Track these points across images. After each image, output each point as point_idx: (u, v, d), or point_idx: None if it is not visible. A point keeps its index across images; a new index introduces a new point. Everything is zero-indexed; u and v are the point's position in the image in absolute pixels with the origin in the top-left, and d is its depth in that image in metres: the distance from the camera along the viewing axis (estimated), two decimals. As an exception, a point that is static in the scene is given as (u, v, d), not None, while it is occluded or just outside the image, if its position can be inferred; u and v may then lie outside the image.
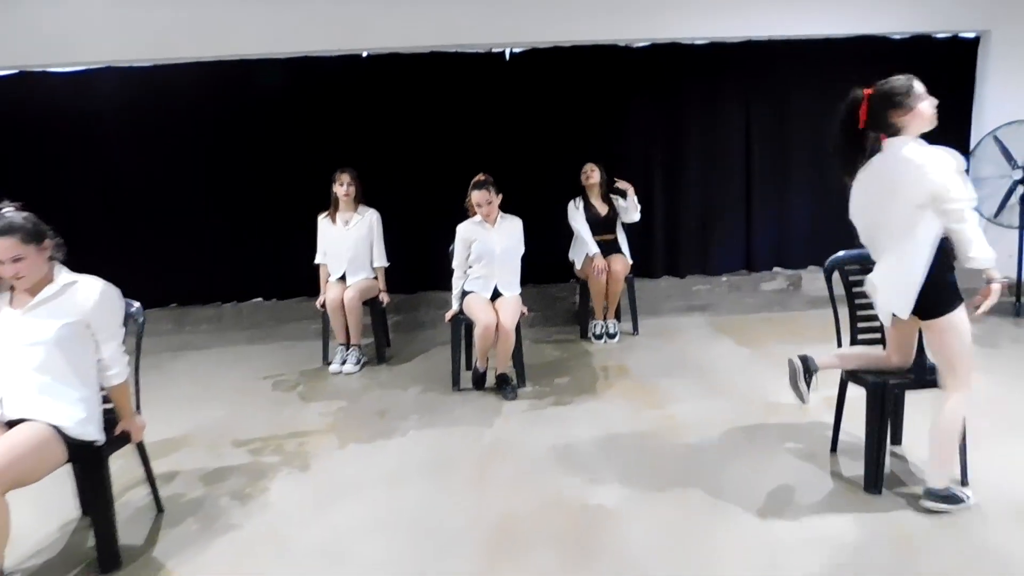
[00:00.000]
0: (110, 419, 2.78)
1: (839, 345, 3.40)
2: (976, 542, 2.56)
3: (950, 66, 6.42)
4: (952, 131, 6.48)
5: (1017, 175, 5.75)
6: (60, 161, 5.95)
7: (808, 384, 3.08)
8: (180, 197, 6.12)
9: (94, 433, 2.58)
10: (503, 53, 6.20)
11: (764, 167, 6.48)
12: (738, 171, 6.48)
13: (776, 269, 6.55)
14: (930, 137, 5.79)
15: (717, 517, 2.82)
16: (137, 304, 2.99)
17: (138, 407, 2.97)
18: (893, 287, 2.77)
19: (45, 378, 2.48)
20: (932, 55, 6.36)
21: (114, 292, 2.67)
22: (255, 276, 6.31)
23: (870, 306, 3.14)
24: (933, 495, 2.77)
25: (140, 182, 6.06)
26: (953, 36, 6.43)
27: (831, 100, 6.29)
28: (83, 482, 2.97)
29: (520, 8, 5.97)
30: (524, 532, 2.78)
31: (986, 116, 6.35)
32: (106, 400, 2.76)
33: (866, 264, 3.28)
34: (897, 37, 6.34)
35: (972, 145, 6.37)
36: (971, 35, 6.45)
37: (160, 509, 3.10)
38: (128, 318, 2.92)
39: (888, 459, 3.16)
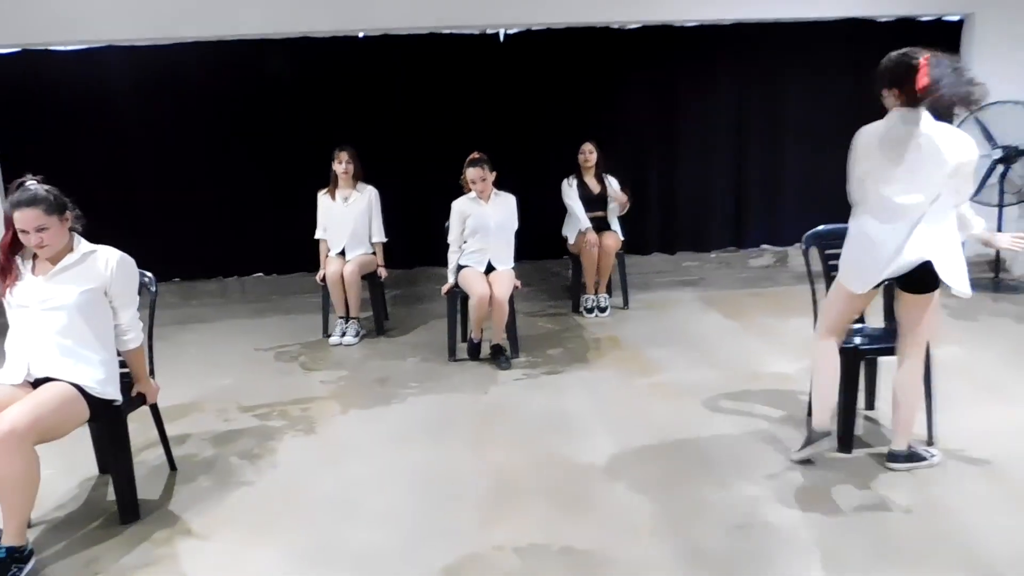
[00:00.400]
0: (127, 382, 2.95)
1: (815, 317, 3.56)
2: (938, 495, 2.76)
3: (935, 48, 6.55)
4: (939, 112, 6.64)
5: (996, 155, 5.93)
6: (63, 138, 6.06)
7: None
8: (183, 174, 6.25)
9: (113, 393, 2.74)
10: (498, 34, 6.33)
11: (754, 147, 6.66)
12: (728, 150, 6.65)
13: (764, 246, 6.74)
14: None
15: (699, 474, 3.01)
16: (150, 275, 3.14)
17: (152, 373, 3.13)
18: (954, 263, 2.82)
19: (67, 341, 2.64)
20: (917, 37, 6.37)
21: (130, 262, 2.83)
22: (257, 251, 6.47)
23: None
24: (896, 457, 2.97)
25: (143, 160, 6.19)
26: (938, 19, 6.60)
27: (819, 81, 6.55)
28: (101, 441, 3.15)
29: (514, -10, 6.11)
30: (519, 486, 2.98)
31: (971, 97, 6.50)
32: (122, 364, 2.93)
33: (842, 239, 3.47)
34: (883, 19, 6.49)
35: (955, 125, 6.53)
36: (955, 18, 6.60)
37: (173, 467, 3.27)
38: (142, 288, 3.08)
39: (862, 422, 3.37)
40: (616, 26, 6.38)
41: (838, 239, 3.44)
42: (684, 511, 2.73)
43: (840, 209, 3.18)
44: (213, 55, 6.11)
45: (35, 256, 2.69)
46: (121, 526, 2.79)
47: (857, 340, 3.23)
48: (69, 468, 3.24)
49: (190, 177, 6.27)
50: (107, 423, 2.79)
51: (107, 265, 2.72)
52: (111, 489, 3.04)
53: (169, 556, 2.58)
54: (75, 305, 2.63)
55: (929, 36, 6.47)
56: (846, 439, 3.16)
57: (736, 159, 6.66)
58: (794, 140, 6.60)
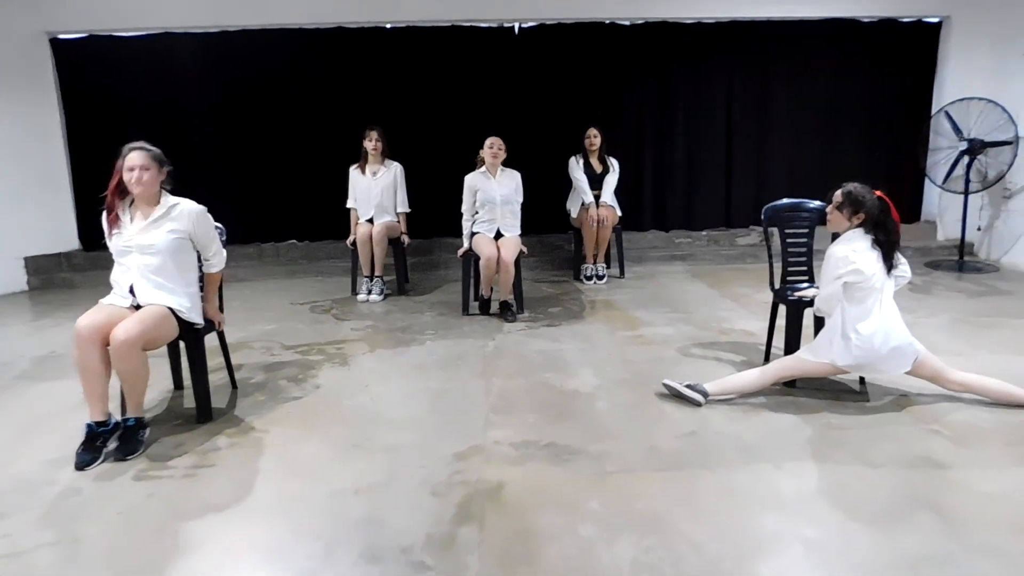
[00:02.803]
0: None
1: (771, 284, 4.21)
2: (863, 416, 3.42)
3: (914, 47, 7.17)
4: (915, 106, 7.25)
5: (963, 146, 6.52)
6: (122, 117, 6.79)
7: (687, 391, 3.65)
8: (226, 149, 6.99)
9: (196, 318, 3.45)
10: (513, 27, 6.99)
11: (744, 135, 7.29)
12: (720, 138, 7.29)
13: (752, 227, 7.37)
14: (897, 111, 7.03)
15: (665, 399, 3.68)
16: (221, 226, 3.84)
17: (221, 307, 3.83)
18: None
19: (160, 278, 3.33)
20: (898, 37, 7.12)
21: (204, 210, 3.51)
22: (291, 220, 7.19)
23: (800, 248, 4.02)
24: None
25: (192, 138, 6.90)
26: (917, 20, 7.17)
27: (805, 75, 7.17)
28: (178, 361, 3.88)
29: (529, -13, 6.76)
30: (515, 403, 3.67)
31: (946, 94, 7.09)
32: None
33: (798, 211, 4.14)
34: (866, 20, 7.08)
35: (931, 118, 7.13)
36: (934, 19, 7.17)
37: (234, 386, 3.98)
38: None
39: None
40: (620, 22, 7.02)
41: (792, 211, 4.13)
42: (647, 422, 3.41)
43: (820, 193, 3.69)
44: (257, 43, 6.83)
45: (132, 204, 3.39)
46: (198, 424, 3.50)
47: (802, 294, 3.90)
48: (152, 384, 3.95)
49: (232, 154, 7.01)
50: (190, 342, 3.50)
51: (189, 215, 3.41)
52: (186, 400, 3.77)
53: (238, 443, 3.29)
54: (166, 247, 3.33)
55: (909, 36, 7.10)
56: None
57: (726, 146, 7.30)
58: (780, 129, 7.23)
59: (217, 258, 3.60)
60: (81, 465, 3.02)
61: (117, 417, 3.23)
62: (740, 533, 2.47)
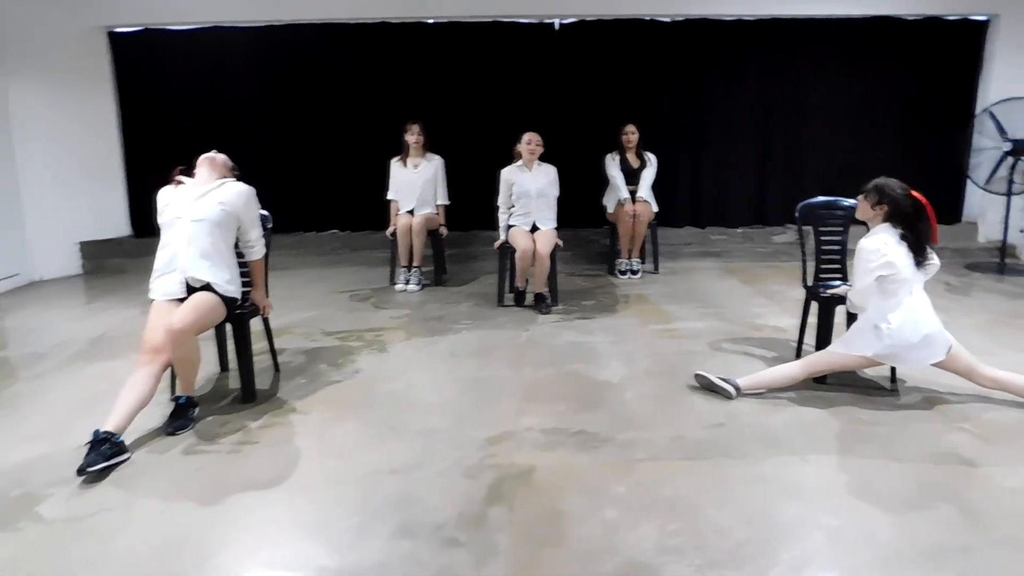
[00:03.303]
0: (245, 293, 3.82)
1: (804, 281, 4.24)
2: (892, 413, 3.46)
3: (958, 46, 7.08)
4: (957, 106, 7.17)
5: (1007, 147, 6.43)
6: (175, 107, 7.04)
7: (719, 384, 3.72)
8: (271, 140, 7.19)
9: (235, 292, 3.58)
10: (553, 23, 7.06)
11: (781, 133, 7.28)
12: (757, 135, 7.29)
13: (787, 224, 7.35)
14: (938, 110, 6.96)
15: (694, 391, 3.74)
16: (267, 212, 3.99)
17: (267, 293, 3.99)
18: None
19: (206, 247, 3.45)
20: (943, 35, 7.04)
21: (253, 191, 3.67)
22: (332, 210, 7.38)
23: (833, 246, 4.05)
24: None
25: (238, 126, 7.11)
26: (963, 18, 7.07)
27: (846, 73, 7.11)
28: (223, 343, 4.05)
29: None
30: (546, 391, 3.77)
31: (991, 93, 6.99)
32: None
33: (832, 209, 4.17)
34: (910, 18, 7.00)
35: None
36: (981, 18, 7.07)
37: (277, 369, 4.15)
38: (262, 223, 3.94)
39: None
40: (661, 18, 7.05)
41: (827, 209, 4.16)
42: (675, 413, 3.48)
43: (856, 192, 3.65)
44: (302, 37, 7.02)
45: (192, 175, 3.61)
46: (243, 404, 3.66)
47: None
48: (202, 366, 4.14)
49: (276, 145, 7.21)
50: (236, 324, 3.66)
51: (239, 193, 3.58)
52: (231, 381, 3.94)
53: (280, 423, 3.44)
54: (214, 218, 3.46)
55: (953, 35, 7.01)
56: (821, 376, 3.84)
57: (763, 144, 7.30)
58: (818, 128, 7.20)
59: (259, 244, 3.76)
60: (82, 470, 2.84)
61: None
62: (763, 520, 2.54)
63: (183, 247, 3.44)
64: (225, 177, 3.65)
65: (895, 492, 2.72)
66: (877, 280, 3.40)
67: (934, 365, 3.50)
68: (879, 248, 3.39)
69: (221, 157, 3.69)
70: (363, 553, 2.38)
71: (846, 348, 3.57)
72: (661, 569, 2.27)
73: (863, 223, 3.62)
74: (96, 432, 2.97)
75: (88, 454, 2.89)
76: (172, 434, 3.28)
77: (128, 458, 3.04)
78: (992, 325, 4.88)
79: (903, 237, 3.43)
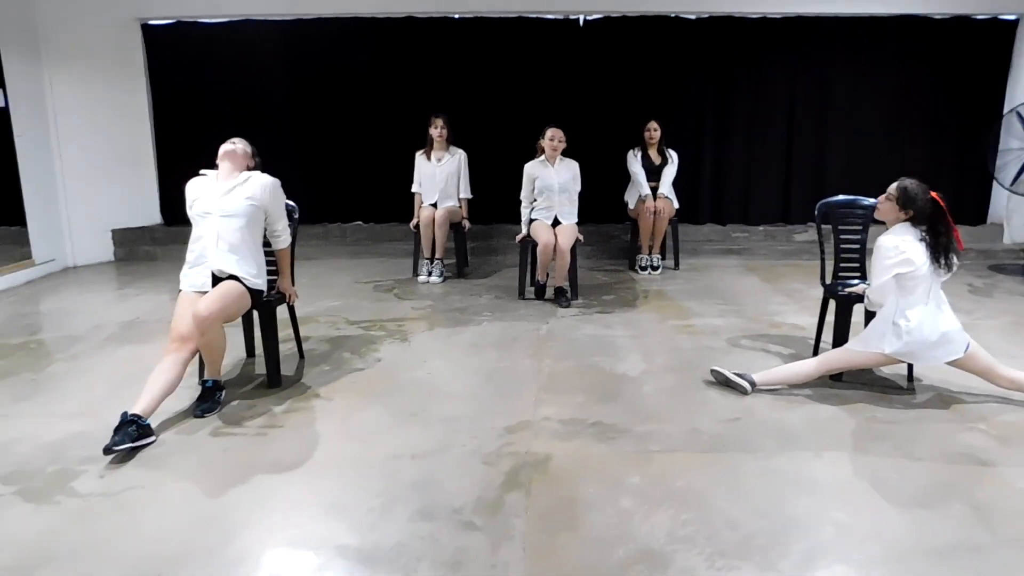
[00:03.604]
0: (271, 281, 3.92)
1: (822, 279, 4.25)
2: (908, 412, 3.48)
3: (987, 45, 7.02)
4: (985, 106, 7.11)
5: (1032, 148, 6.39)
6: (205, 97, 7.17)
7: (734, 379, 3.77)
8: (298, 132, 7.31)
9: (262, 285, 3.68)
10: (578, 20, 7.10)
11: (805, 131, 7.26)
12: (781, 133, 7.29)
13: (810, 223, 7.33)
14: (965, 110, 6.96)
15: (712, 387, 3.78)
16: (293, 203, 4.09)
17: (293, 281, 4.09)
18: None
19: (235, 241, 3.54)
20: (971, 35, 6.98)
21: (278, 183, 3.75)
22: (357, 202, 7.49)
23: (853, 244, 4.06)
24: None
25: (267, 118, 7.24)
26: (993, 17, 7.00)
27: (871, 72, 7.09)
28: (250, 331, 4.16)
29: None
30: (565, 382, 3.83)
31: (1019, 94, 6.94)
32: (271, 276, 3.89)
33: (852, 208, 4.18)
34: (938, 17, 6.95)
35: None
36: (1010, 17, 7.00)
37: (302, 356, 4.25)
38: (289, 217, 4.03)
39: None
40: (686, 15, 7.07)
41: (846, 208, 4.18)
42: (691, 407, 3.53)
43: (879, 192, 3.64)
44: (331, 31, 7.11)
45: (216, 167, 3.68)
46: (268, 389, 3.77)
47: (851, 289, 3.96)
48: (229, 352, 4.24)
49: (303, 137, 7.33)
50: (263, 312, 3.76)
51: (263, 186, 3.64)
52: (258, 367, 4.05)
53: (304, 408, 3.54)
54: (243, 212, 3.55)
55: (982, 34, 6.96)
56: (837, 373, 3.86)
57: (786, 142, 7.30)
58: (842, 127, 7.18)
59: (285, 233, 3.85)
60: (108, 449, 2.94)
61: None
62: (774, 513, 2.59)
63: (212, 242, 3.53)
64: (248, 168, 3.72)
65: (907, 490, 2.75)
66: (895, 277, 3.42)
67: (951, 364, 3.51)
68: (897, 245, 3.41)
69: (241, 147, 3.71)
70: (383, 533, 2.46)
71: (864, 346, 3.59)
72: (672, 557, 2.33)
73: (882, 222, 3.64)
74: (124, 414, 3.08)
75: (115, 435, 3.00)
76: (200, 416, 3.39)
77: (154, 440, 3.15)
78: (1015, 327, 4.87)
79: (923, 238, 3.45)
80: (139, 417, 3.09)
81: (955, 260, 3.53)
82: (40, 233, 6.64)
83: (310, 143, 7.33)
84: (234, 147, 3.68)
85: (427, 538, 2.43)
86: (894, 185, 3.53)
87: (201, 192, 3.63)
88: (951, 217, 3.50)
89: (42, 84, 6.70)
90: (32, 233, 6.57)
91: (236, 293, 3.50)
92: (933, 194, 3.48)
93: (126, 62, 7.03)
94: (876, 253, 3.49)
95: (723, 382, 3.75)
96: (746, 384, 3.65)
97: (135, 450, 3.04)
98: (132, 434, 3.02)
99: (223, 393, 3.57)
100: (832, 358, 3.71)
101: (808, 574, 2.26)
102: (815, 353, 4.22)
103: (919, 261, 3.40)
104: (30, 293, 6.03)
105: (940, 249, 3.44)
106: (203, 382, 3.54)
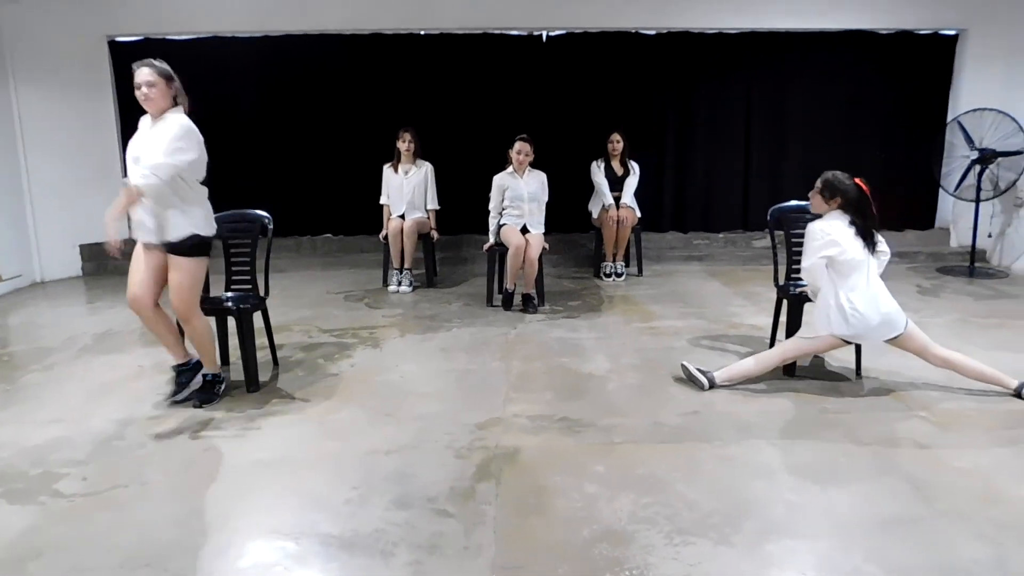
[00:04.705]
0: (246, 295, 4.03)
1: (775, 280, 4.48)
2: (857, 402, 3.69)
3: (930, 59, 7.37)
4: (930, 116, 7.46)
5: (974, 155, 6.71)
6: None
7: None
8: (268, 147, 7.40)
9: (200, 230, 3.57)
10: (541, 35, 7.32)
11: (762, 141, 7.54)
12: (739, 144, 7.56)
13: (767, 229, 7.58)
14: (912, 120, 7.23)
15: (673, 383, 3.97)
16: (269, 216, 4.20)
17: (267, 292, 4.20)
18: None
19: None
20: (915, 49, 7.34)
21: (191, 125, 3.51)
22: (328, 215, 7.59)
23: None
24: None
25: (237, 134, 7.31)
26: (934, 32, 7.37)
27: (823, 85, 7.39)
28: (225, 339, 4.25)
29: (557, -2, 7.09)
30: (533, 382, 3.99)
31: (961, 104, 7.28)
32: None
33: (802, 213, 4.40)
34: (884, 32, 7.29)
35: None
36: (951, 32, 7.37)
37: (276, 363, 4.35)
38: (262, 227, 4.16)
39: (811, 360, 4.29)
40: (645, 31, 7.32)
41: (796, 213, 4.40)
42: (654, 402, 3.71)
43: None
44: (299, 47, 7.23)
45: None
46: (246, 393, 3.87)
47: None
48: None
49: (273, 151, 7.42)
50: (239, 320, 3.87)
51: (179, 125, 3.42)
52: (233, 373, 4.14)
53: (281, 410, 3.65)
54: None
55: (925, 48, 7.31)
56: (792, 365, 4.07)
57: (745, 152, 7.56)
58: (797, 137, 7.47)
59: (158, 170, 3.34)
60: (172, 395, 3.69)
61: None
62: (730, 495, 2.76)
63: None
64: (174, 98, 3.57)
65: (854, 471, 2.96)
66: (828, 262, 3.67)
67: (892, 341, 3.75)
68: (823, 229, 3.69)
69: (154, 91, 3.47)
70: (362, 522, 2.59)
71: (813, 332, 3.80)
72: (634, 535, 2.49)
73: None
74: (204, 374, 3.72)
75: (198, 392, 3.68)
76: (198, 407, 3.61)
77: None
78: (960, 324, 5.13)
79: (852, 223, 3.70)
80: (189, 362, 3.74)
81: (885, 247, 3.78)
82: (7, 248, 6.64)
83: (280, 158, 7.43)
84: (147, 91, 3.41)
85: (404, 525, 2.56)
86: (819, 179, 3.82)
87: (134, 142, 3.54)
88: (872, 202, 3.74)
89: (10, 100, 6.73)
90: (-1, 248, 6.58)
91: (190, 270, 3.50)
92: (857, 180, 3.74)
93: (94, 78, 7.06)
94: (806, 238, 3.76)
95: (688, 377, 3.93)
96: (704, 380, 3.84)
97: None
98: (217, 390, 3.75)
99: (223, 386, 3.80)
100: (785, 348, 3.94)
101: (761, 546, 2.43)
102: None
103: (846, 244, 3.64)
104: (-1, 308, 6.04)
105: (868, 230, 3.71)
106: (203, 376, 3.73)
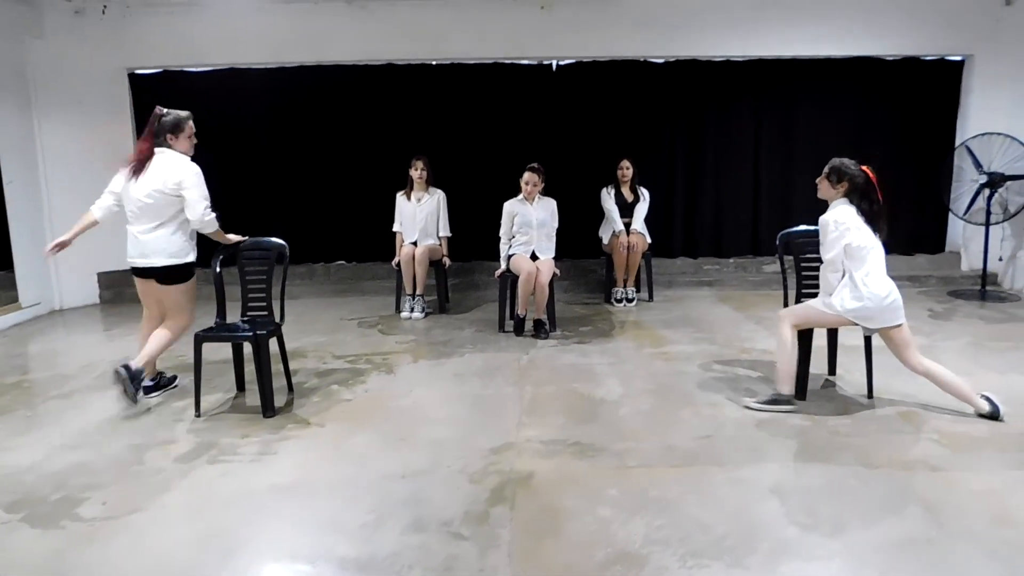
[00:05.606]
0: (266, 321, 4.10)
1: (784, 304, 4.50)
2: (869, 425, 3.70)
3: (937, 84, 7.44)
4: (938, 141, 7.50)
5: (982, 179, 6.74)
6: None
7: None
8: (283, 175, 7.53)
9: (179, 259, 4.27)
10: (551, 65, 7.44)
11: (770, 167, 7.61)
12: (747, 169, 7.63)
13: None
14: (920, 145, 7.24)
15: (684, 406, 3.99)
16: (285, 243, 4.28)
17: (283, 318, 4.26)
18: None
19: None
20: (922, 75, 7.41)
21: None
22: (341, 242, 7.69)
23: (813, 271, 4.31)
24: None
25: (253, 163, 7.45)
26: (940, 58, 7.44)
27: (831, 111, 7.47)
28: (240, 367, 4.32)
29: (566, 28, 7.20)
30: (546, 407, 4.02)
31: (969, 129, 7.33)
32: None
33: (811, 237, 4.44)
34: (891, 58, 7.37)
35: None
36: (957, 58, 7.44)
37: (290, 389, 4.40)
38: (279, 256, 4.24)
39: (823, 383, 4.31)
40: (653, 60, 7.43)
41: (805, 238, 4.44)
42: (666, 426, 3.73)
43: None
44: (314, 78, 7.38)
45: None
46: (263, 419, 3.91)
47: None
48: (220, 387, 4.41)
49: (288, 180, 7.54)
50: (256, 348, 3.93)
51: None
52: (249, 399, 4.20)
53: (297, 435, 3.69)
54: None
55: (932, 74, 7.38)
56: (802, 388, 4.08)
57: (753, 178, 7.63)
58: (805, 163, 7.47)
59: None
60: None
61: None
62: (743, 517, 2.78)
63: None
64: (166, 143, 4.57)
65: (867, 493, 2.96)
66: (845, 249, 3.72)
67: (884, 331, 3.77)
68: (835, 219, 3.76)
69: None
70: (378, 545, 2.61)
71: (825, 305, 3.84)
72: (648, 558, 2.51)
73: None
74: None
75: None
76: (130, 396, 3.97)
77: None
78: (971, 348, 5.13)
79: (860, 209, 3.78)
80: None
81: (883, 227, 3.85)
82: (27, 277, 6.75)
83: (294, 186, 7.55)
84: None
85: (419, 548, 2.59)
86: (827, 165, 3.93)
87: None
88: (879, 189, 3.82)
89: (32, 132, 6.89)
90: (19, 277, 6.69)
91: (176, 299, 4.19)
92: (864, 168, 3.79)
93: (114, 110, 7.22)
94: (822, 231, 3.82)
95: (765, 410, 3.92)
96: (785, 406, 3.88)
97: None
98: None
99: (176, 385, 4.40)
100: (794, 310, 4.03)
101: (774, 568, 2.44)
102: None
103: (858, 230, 3.72)
104: (18, 335, 6.13)
105: (875, 216, 3.78)
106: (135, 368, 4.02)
